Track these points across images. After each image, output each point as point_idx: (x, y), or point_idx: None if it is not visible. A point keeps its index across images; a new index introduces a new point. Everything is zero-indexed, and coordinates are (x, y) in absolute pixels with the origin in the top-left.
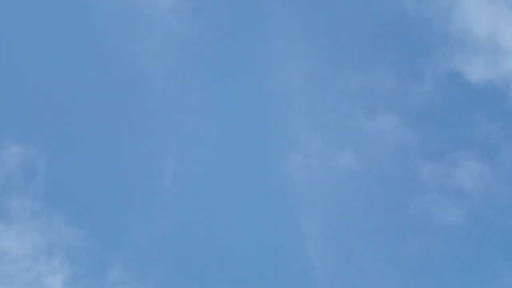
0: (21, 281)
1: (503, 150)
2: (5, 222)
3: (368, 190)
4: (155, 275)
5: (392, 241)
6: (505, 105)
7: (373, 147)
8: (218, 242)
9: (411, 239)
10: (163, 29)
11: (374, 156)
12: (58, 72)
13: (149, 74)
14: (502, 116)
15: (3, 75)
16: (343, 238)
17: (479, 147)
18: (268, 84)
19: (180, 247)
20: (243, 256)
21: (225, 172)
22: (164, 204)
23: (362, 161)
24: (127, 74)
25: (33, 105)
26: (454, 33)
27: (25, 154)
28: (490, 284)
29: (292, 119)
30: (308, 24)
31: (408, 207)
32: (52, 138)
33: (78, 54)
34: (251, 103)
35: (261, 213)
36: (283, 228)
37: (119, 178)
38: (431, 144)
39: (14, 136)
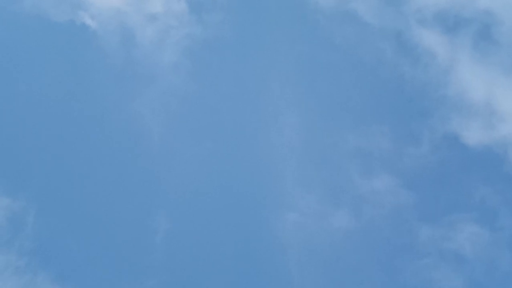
0: None
1: (501, 214)
2: None
3: (364, 251)
4: None
5: None
6: (502, 169)
7: (369, 208)
8: None
9: None
10: (164, 85)
11: (370, 217)
12: (54, 126)
13: (146, 130)
14: (499, 180)
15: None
16: None
17: (476, 210)
18: (264, 142)
19: None
20: None
21: (218, 231)
22: (154, 264)
23: (357, 221)
24: (124, 129)
25: (26, 158)
26: (450, 97)
27: (13, 207)
28: None
29: (288, 178)
30: (306, 85)
31: (406, 271)
32: (42, 192)
33: (77, 108)
34: (246, 162)
35: (254, 274)
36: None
37: (108, 236)
38: (428, 206)
39: (3, 188)
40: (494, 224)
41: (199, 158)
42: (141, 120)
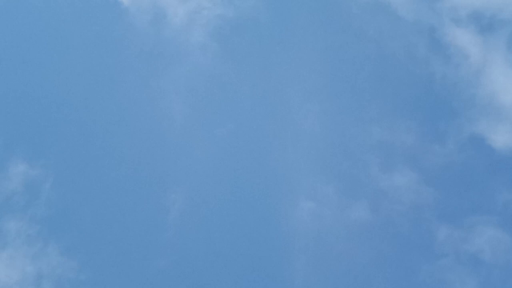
0: None
1: None
2: None
3: (380, 247)
4: None
5: None
6: None
7: (388, 203)
8: (220, 285)
9: None
10: (191, 65)
11: (388, 212)
12: (78, 98)
13: (169, 108)
14: None
15: (26, 95)
16: None
17: (498, 214)
18: (286, 129)
19: None
20: None
21: (232, 216)
22: (165, 243)
23: (375, 215)
24: (147, 105)
25: (48, 127)
26: (480, 98)
27: (31, 174)
28: None
29: (307, 167)
30: (335, 74)
31: (420, 270)
32: (61, 162)
33: (103, 82)
34: (266, 147)
35: (267, 261)
36: (289, 278)
37: (122, 211)
38: (449, 206)
39: (22, 154)
40: None
41: (218, 139)
42: (165, 98)
